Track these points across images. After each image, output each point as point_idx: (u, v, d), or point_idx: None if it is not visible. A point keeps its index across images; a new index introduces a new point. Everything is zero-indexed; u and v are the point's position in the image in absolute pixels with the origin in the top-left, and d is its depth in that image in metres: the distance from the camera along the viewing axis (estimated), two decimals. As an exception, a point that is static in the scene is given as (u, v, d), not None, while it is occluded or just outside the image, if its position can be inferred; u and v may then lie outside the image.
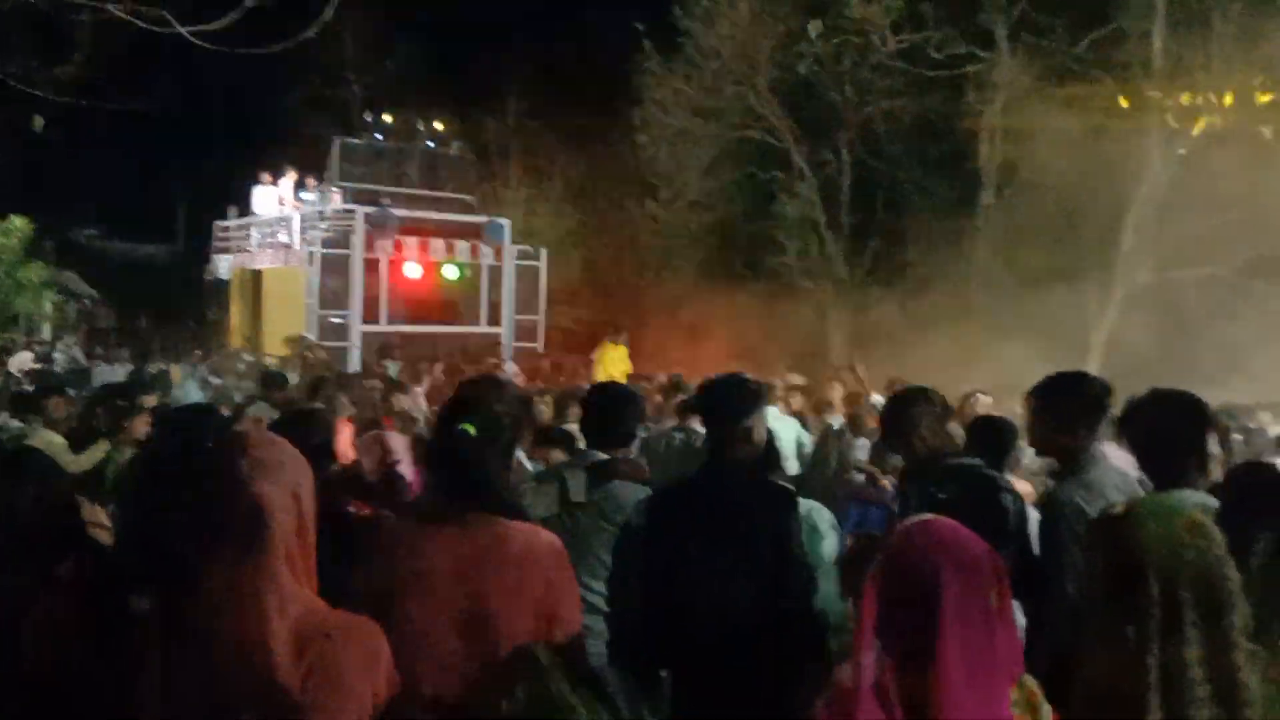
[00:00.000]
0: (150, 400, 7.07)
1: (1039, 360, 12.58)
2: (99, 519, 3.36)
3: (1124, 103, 15.96)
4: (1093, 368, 15.56)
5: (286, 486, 1.70)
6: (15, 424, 7.45)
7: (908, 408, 3.68)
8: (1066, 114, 16.51)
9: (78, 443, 6.41)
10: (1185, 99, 15.52)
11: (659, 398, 8.87)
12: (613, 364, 13.23)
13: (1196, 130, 15.41)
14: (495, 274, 19.31)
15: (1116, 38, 16.75)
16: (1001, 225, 17.86)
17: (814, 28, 18.35)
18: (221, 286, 20.97)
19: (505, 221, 20.16)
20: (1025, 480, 4.93)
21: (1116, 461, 3.58)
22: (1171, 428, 3.03)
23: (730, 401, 3.29)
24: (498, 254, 19.31)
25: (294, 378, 10.18)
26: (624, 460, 3.49)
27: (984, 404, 7.18)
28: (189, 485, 1.72)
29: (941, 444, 3.59)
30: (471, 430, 2.37)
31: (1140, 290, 16.18)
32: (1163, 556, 1.77)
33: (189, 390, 10.61)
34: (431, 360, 13.49)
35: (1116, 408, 3.46)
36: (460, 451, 2.37)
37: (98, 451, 6.25)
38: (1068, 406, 3.39)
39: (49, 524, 3.47)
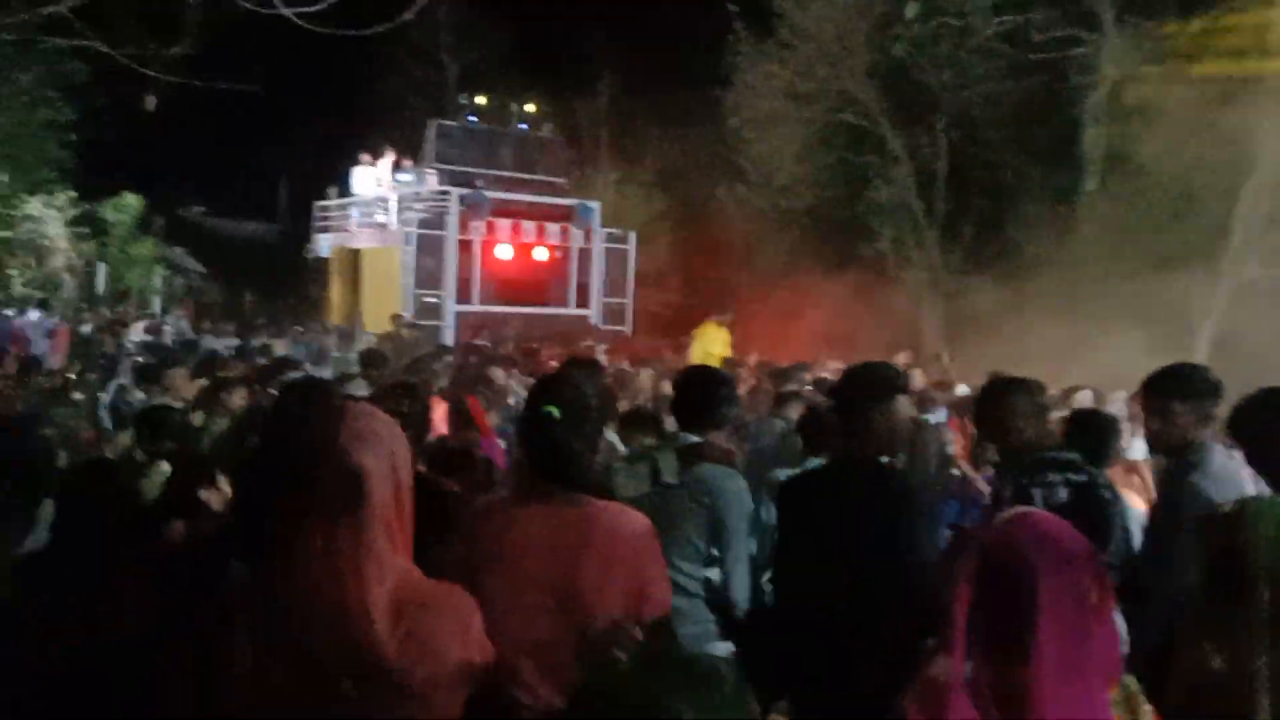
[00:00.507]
0: (241, 370, 7.31)
1: (1143, 353, 12.20)
2: (221, 486, 3.51)
3: (1238, 84, 15.25)
4: (1199, 362, 15.01)
5: (385, 457, 1.74)
6: (140, 394, 7.83)
7: (1004, 397, 3.59)
8: (1175, 98, 15.87)
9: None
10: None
11: (754, 382, 8.80)
12: (712, 343, 12.71)
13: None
14: (584, 256, 19.46)
15: (1232, 16, 16.01)
16: (1105, 214, 17.25)
17: (911, 10, 17.98)
18: (321, 265, 21.54)
19: (595, 204, 20.28)
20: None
21: (1224, 459, 3.47)
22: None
23: (868, 389, 3.25)
24: (587, 236, 19.45)
25: (392, 356, 10.43)
26: (713, 443, 3.49)
27: (1085, 400, 6.98)
28: (289, 454, 1.78)
29: (1039, 436, 3.49)
30: (556, 412, 2.40)
31: (1250, 283, 15.49)
32: (1274, 558, 1.70)
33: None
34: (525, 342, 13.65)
35: (1226, 405, 3.36)
36: (547, 432, 2.40)
37: (195, 418, 6.51)
38: (1181, 400, 3.33)
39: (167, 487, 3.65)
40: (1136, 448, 6.24)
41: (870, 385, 3.26)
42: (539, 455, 2.42)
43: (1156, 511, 3.47)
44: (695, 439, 3.49)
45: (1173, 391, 3.41)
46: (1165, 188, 16.19)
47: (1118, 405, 7.44)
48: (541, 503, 2.35)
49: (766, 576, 3.55)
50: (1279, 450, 2.89)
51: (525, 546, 2.30)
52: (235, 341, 13.71)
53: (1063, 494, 3.27)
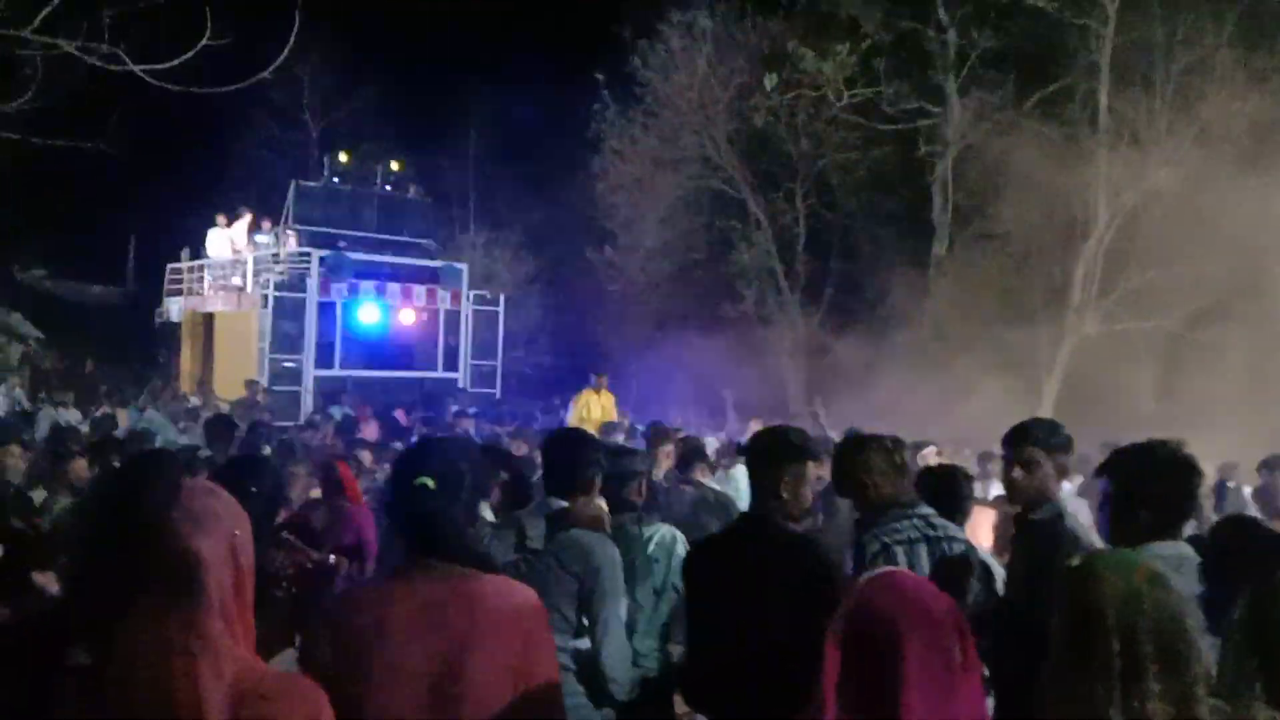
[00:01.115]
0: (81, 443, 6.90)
1: (996, 406, 12.77)
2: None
3: (1072, 152, 16.35)
4: (1046, 412, 15.79)
5: (222, 539, 1.62)
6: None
7: (860, 453, 3.63)
8: (1016, 167, 16.89)
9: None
10: (1130, 154, 15.94)
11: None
12: (588, 409, 12.44)
13: (1141, 186, 15.80)
14: (452, 319, 19.21)
15: (1064, 94, 17.26)
16: (955, 275, 18.13)
17: (769, 81, 18.69)
18: (172, 329, 20.64)
19: (463, 266, 20.11)
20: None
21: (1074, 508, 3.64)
22: (1162, 478, 3.00)
23: (772, 453, 3.28)
24: (455, 298, 19.22)
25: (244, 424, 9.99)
26: (582, 507, 3.43)
27: (929, 455, 7.23)
28: (119, 535, 1.65)
29: (895, 492, 3.54)
30: (431, 484, 2.30)
31: (1091, 340, 16.47)
32: (1121, 609, 1.74)
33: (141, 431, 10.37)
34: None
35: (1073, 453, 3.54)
36: (421, 505, 2.30)
37: (36, 495, 6.08)
38: (1045, 451, 3.50)
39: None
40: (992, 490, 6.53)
41: (777, 449, 3.29)
42: (415, 528, 2.30)
43: (1029, 558, 3.51)
44: (563, 504, 3.43)
45: (1036, 443, 3.54)
46: (1009, 251, 17.15)
47: (967, 460, 7.72)
48: (422, 578, 2.22)
49: (655, 644, 3.55)
50: (1153, 500, 2.96)
51: (406, 624, 2.15)
52: (75, 413, 12.93)
53: (923, 550, 3.34)
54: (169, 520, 1.59)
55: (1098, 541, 3.17)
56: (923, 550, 3.35)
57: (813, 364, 19.97)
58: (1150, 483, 2.98)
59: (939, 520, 3.47)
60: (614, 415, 12.34)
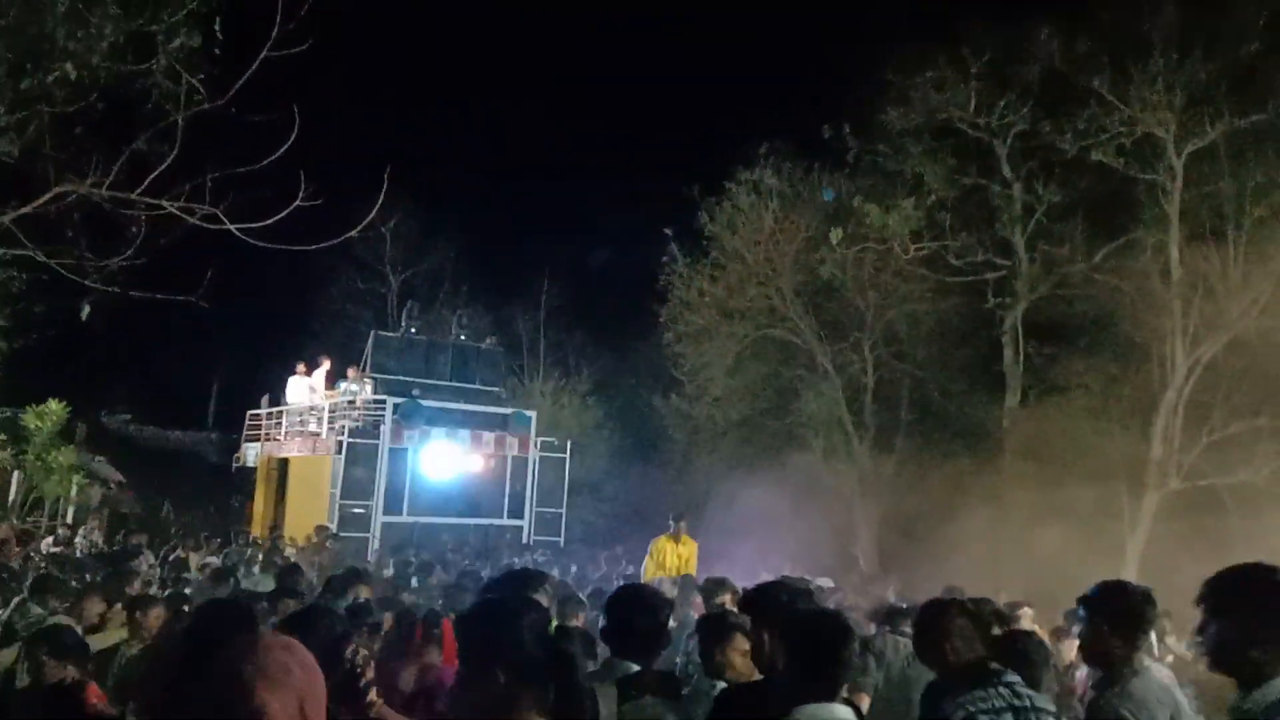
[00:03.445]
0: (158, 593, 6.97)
1: (1074, 565, 12.29)
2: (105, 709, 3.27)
3: (1147, 304, 16.16)
4: (1129, 574, 15.15)
5: (293, 695, 1.62)
6: (37, 610, 7.37)
7: (941, 615, 3.52)
8: (1088, 319, 16.74)
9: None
10: (1205, 306, 15.72)
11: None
12: (666, 557, 11.11)
13: (1220, 338, 15.52)
14: (519, 465, 19.31)
15: (1134, 245, 17.14)
16: (1029, 427, 17.78)
17: (834, 235, 18.93)
18: (249, 474, 21.04)
19: (531, 414, 20.33)
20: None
21: (1159, 675, 3.45)
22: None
23: (774, 604, 3.20)
24: (522, 445, 19.37)
25: (313, 570, 10.05)
26: (653, 673, 3.30)
27: (1025, 618, 6.82)
28: (193, 688, 1.65)
29: (976, 656, 3.40)
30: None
31: (1173, 495, 15.89)
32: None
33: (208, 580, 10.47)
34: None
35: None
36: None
37: (111, 636, 6.13)
38: (1111, 622, 3.33)
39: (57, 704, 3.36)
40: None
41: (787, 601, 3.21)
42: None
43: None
44: (635, 667, 3.30)
45: (1103, 612, 3.41)
46: (1085, 403, 16.81)
47: (1054, 621, 7.39)
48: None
49: None
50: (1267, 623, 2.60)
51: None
52: (149, 556, 13.15)
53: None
54: (241, 675, 1.59)
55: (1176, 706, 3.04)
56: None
57: (884, 515, 19.53)
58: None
59: (1025, 689, 3.31)
60: (694, 567, 10.91)
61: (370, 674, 4.53)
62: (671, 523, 11.40)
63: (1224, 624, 2.60)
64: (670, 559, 11.02)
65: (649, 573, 10.81)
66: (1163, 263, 16.45)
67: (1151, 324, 16.34)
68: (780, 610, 3.30)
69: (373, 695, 4.33)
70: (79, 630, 6.40)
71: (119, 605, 6.87)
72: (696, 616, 6.28)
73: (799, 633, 3.08)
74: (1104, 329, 17.33)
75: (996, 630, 4.63)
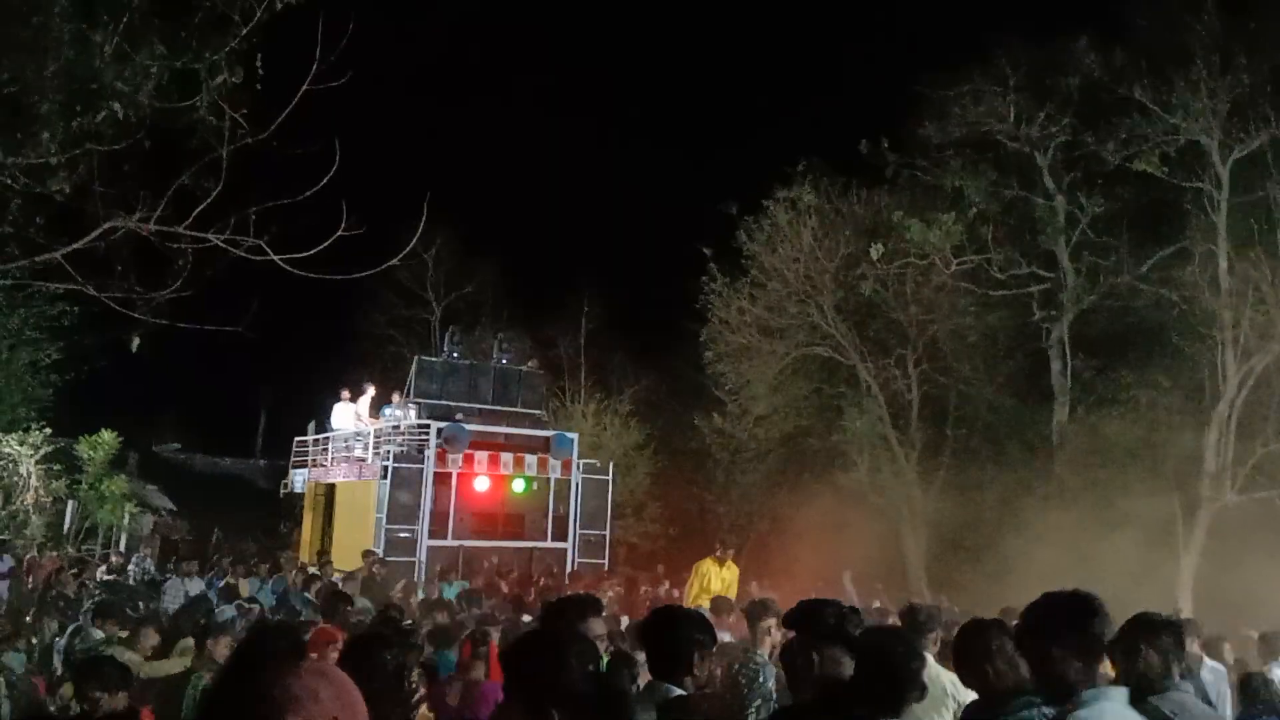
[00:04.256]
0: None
1: (1127, 582, 12.05)
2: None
3: (1197, 315, 15.86)
4: (1184, 589, 14.82)
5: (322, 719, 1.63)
6: (97, 633, 7.60)
7: (981, 637, 3.46)
8: (1137, 330, 16.46)
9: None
10: (1256, 315, 15.39)
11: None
12: (710, 581, 11.12)
13: (1273, 349, 15.18)
14: (562, 488, 19.33)
15: (1181, 255, 16.83)
16: (1079, 441, 17.49)
17: (875, 251, 18.81)
18: (296, 500, 21.27)
19: (573, 435, 20.35)
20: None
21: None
22: None
23: (816, 624, 3.18)
24: (565, 467, 19.39)
25: (360, 594, 10.13)
26: (704, 696, 3.28)
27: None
28: (227, 710, 1.69)
29: (1021, 681, 3.34)
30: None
31: (1229, 508, 15.53)
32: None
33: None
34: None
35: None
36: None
37: (175, 663, 6.23)
38: (1146, 643, 3.43)
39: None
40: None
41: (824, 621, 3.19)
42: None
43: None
44: (679, 691, 3.25)
45: (1138, 637, 3.48)
46: (1135, 416, 16.51)
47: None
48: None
49: None
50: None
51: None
52: (198, 583, 13.33)
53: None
54: (266, 698, 1.62)
55: None
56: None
57: (931, 533, 19.29)
58: None
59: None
60: (735, 591, 10.95)
61: (422, 691, 4.61)
62: (718, 548, 11.61)
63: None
64: (715, 582, 11.02)
65: (692, 594, 10.83)
66: (1211, 272, 16.14)
67: (1202, 335, 16.04)
68: (829, 630, 3.26)
69: (424, 711, 4.39)
70: (139, 659, 6.53)
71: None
72: (730, 638, 6.24)
73: (870, 651, 3.06)
74: (1153, 340, 17.04)
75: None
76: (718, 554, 11.43)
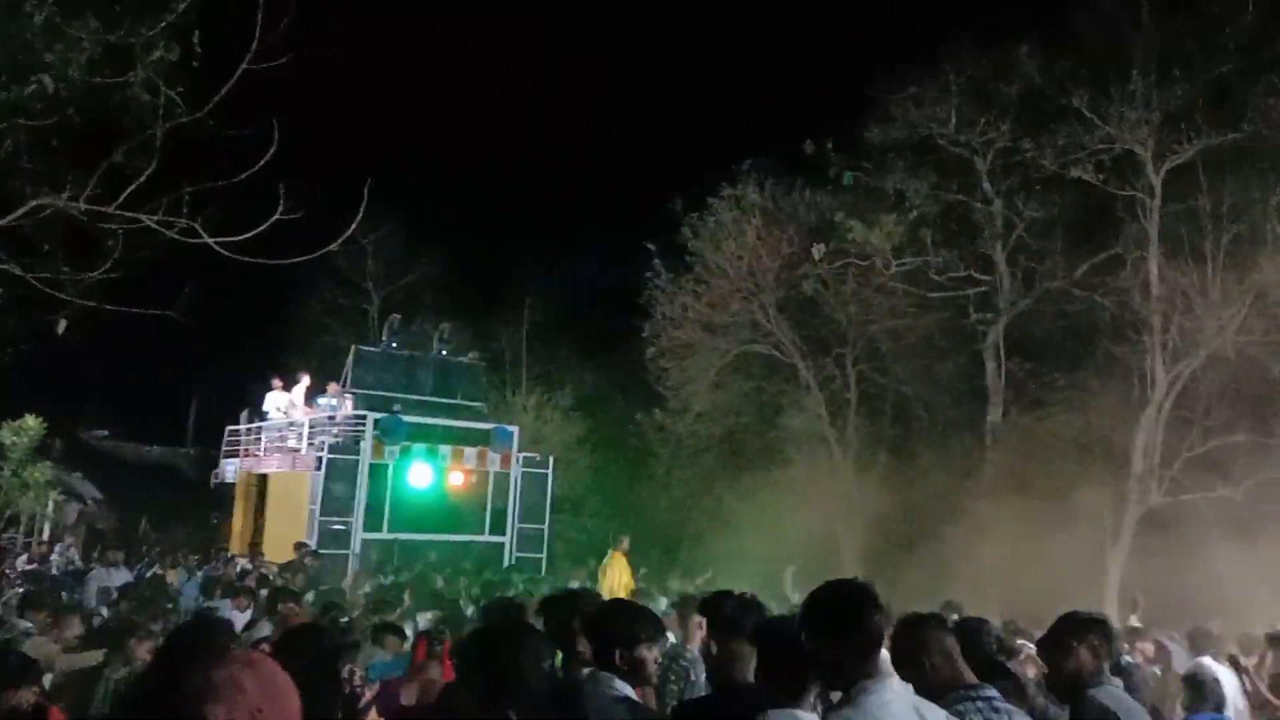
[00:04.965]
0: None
1: (1057, 579, 12.31)
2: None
3: (1128, 319, 16.28)
4: (1110, 587, 15.19)
5: (243, 711, 1.57)
6: (21, 623, 7.40)
7: (917, 632, 3.48)
8: (1069, 334, 16.82)
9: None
10: (1184, 321, 15.83)
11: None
12: (622, 573, 12.19)
13: (1199, 353, 15.63)
14: (501, 481, 19.19)
15: (1114, 261, 17.28)
16: (1011, 442, 17.84)
17: (817, 251, 19.00)
18: (227, 491, 20.85)
19: (514, 429, 20.22)
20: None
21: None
22: None
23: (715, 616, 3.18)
24: (504, 461, 19.25)
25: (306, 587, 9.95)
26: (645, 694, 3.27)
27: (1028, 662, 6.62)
28: (145, 699, 1.63)
29: (957, 674, 3.37)
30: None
31: (1156, 510, 15.96)
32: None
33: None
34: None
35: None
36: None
37: (90, 658, 6.04)
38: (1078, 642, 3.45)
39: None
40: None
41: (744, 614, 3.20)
42: None
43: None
44: (626, 690, 3.24)
45: (1068, 635, 3.63)
46: (1066, 418, 16.88)
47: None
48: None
49: None
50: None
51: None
52: (125, 573, 12.96)
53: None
54: (186, 688, 1.56)
55: None
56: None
57: (868, 531, 19.52)
58: None
59: (1004, 704, 3.28)
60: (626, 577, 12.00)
61: (369, 694, 4.52)
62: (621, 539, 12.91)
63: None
64: (625, 575, 12.10)
65: (610, 590, 11.21)
66: (1142, 279, 16.60)
67: (1132, 339, 16.46)
68: (729, 622, 3.26)
69: (373, 716, 4.30)
70: (56, 650, 6.32)
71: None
72: (699, 634, 6.29)
73: (768, 640, 3.06)
74: (1085, 344, 17.46)
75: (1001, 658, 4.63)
76: (623, 548, 12.61)
